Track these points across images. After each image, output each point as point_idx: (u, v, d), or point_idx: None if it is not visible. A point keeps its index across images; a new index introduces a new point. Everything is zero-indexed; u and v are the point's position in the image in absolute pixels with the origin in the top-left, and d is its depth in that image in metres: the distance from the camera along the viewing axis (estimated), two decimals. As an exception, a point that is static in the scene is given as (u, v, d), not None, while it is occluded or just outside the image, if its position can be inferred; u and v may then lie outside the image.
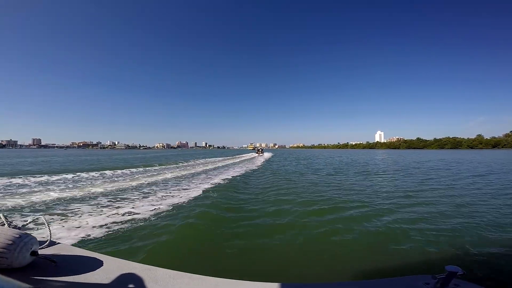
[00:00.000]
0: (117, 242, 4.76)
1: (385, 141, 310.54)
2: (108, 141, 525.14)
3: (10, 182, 11.89)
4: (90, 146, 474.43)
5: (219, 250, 4.61)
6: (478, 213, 7.25)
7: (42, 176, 13.93)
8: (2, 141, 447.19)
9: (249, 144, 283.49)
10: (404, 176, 16.53)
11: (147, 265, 1.49)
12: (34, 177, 13.63)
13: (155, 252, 4.35)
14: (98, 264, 1.44)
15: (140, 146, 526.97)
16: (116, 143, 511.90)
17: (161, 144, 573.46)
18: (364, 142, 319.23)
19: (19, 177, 13.30)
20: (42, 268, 1.35)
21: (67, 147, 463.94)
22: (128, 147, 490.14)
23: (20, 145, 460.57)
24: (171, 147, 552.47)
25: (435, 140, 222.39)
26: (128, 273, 1.37)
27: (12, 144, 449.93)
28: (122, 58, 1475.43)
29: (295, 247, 4.82)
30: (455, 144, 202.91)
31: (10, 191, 9.69)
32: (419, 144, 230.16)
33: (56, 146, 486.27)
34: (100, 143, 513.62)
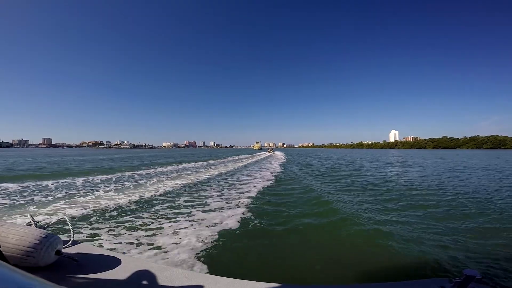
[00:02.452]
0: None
1: (402, 140, 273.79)
2: (118, 141, 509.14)
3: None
4: (96, 146, 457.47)
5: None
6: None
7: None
8: (13, 140, 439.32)
9: (255, 143, 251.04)
10: None
11: (164, 265, 1.52)
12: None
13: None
14: (117, 263, 1.48)
15: (145, 146, 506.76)
16: (125, 142, 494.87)
17: (168, 144, 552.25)
18: (380, 141, 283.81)
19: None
20: (65, 266, 1.41)
21: (65, 146, 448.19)
22: (133, 146, 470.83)
23: (29, 144, 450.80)
24: (178, 147, 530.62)
25: (470, 138, 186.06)
26: (145, 272, 1.40)
27: (23, 143, 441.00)
28: (135, 60, 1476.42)
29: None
30: (496, 143, 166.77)
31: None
32: (450, 143, 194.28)
33: (66, 146, 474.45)
34: (110, 142, 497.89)
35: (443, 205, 7.53)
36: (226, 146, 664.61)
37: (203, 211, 6.40)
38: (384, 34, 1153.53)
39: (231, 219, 5.58)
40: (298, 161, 31.29)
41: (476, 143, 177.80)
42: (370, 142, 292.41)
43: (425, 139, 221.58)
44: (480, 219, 6.13)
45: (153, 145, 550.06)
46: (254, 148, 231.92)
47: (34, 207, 6.86)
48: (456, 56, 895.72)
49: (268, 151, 70.29)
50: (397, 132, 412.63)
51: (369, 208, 7.03)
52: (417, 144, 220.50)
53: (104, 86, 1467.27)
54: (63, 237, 1.63)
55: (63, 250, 1.48)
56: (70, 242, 1.68)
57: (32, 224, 1.58)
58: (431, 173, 16.71)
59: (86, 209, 6.51)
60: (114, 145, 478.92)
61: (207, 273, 1.66)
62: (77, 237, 1.84)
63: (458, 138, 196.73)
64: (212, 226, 5.16)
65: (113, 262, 1.48)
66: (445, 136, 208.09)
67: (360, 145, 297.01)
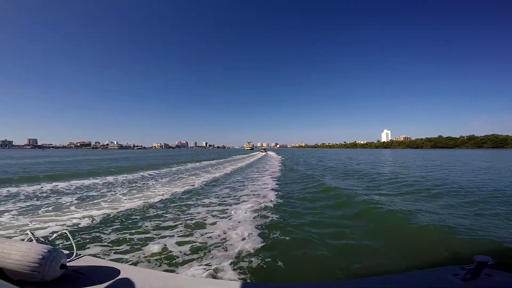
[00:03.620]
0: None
1: (395, 140, 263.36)
2: (107, 141, 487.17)
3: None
4: (83, 147, 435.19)
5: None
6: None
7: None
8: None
9: (246, 143, 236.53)
10: None
11: (169, 273, 1.48)
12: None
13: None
14: (122, 273, 1.44)
15: (134, 146, 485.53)
16: (114, 143, 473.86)
17: (158, 144, 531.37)
18: (372, 141, 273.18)
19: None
20: (72, 280, 1.38)
21: (51, 147, 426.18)
22: (121, 147, 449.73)
23: (13, 145, 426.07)
24: (169, 147, 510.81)
25: (469, 138, 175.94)
26: (151, 282, 1.36)
27: (6, 144, 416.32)
28: (123, 58, 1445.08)
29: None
30: (497, 142, 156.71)
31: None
32: (448, 143, 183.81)
33: (52, 146, 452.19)
34: (99, 143, 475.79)
35: None
36: (218, 147, 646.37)
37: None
38: (375, 34, 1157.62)
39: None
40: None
41: (476, 142, 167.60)
42: (364, 142, 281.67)
43: (421, 139, 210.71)
44: None
45: (142, 146, 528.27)
46: (246, 148, 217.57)
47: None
48: (448, 56, 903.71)
49: (261, 151, 75.04)
50: (389, 132, 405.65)
51: None
52: (413, 144, 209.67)
53: (96, 87, 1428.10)
54: (65, 250, 1.59)
55: (68, 264, 1.45)
56: (73, 255, 1.65)
57: (32, 240, 1.55)
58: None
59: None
60: (101, 145, 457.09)
61: (220, 278, 1.65)
62: (79, 249, 1.91)
63: (456, 138, 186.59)
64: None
65: (118, 273, 1.44)
66: (441, 136, 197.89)
67: (354, 145, 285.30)
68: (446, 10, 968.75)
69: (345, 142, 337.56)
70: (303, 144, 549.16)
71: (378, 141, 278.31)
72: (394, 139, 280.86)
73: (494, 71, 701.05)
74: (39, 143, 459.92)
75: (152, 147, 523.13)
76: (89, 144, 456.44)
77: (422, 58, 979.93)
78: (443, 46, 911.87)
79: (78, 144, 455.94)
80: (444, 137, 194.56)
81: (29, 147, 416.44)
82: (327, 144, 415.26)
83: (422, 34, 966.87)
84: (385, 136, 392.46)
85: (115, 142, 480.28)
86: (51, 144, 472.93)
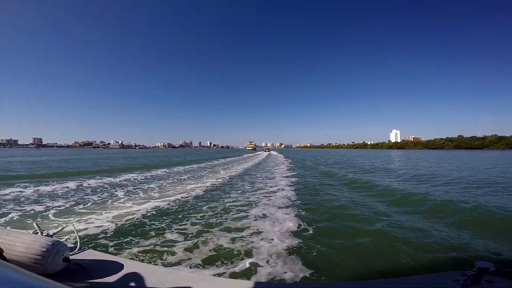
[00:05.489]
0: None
1: (404, 140, 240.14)
2: (112, 141, 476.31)
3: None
4: (85, 146, 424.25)
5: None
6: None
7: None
8: (1, 140, 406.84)
9: (248, 143, 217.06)
10: None
11: (169, 268, 1.49)
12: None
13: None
14: (124, 268, 1.44)
15: (135, 146, 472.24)
16: (119, 142, 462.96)
17: (162, 144, 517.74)
18: (380, 141, 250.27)
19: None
20: (73, 273, 1.38)
21: (55, 146, 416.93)
22: (123, 146, 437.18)
23: (18, 144, 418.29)
24: (173, 147, 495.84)
25: (499, 138, 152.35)
26: (152, 277, 1.36)
27: (11, 143, 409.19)
28: (128, 59, 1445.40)
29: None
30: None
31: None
32: (474, 143, 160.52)
33: (57, 146, 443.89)
34: (104, 142, 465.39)
35: None
36: (222, 147, 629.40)
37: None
38: (375, 34, 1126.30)
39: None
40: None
41: (507, 142, 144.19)
42: (372, 142, 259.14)
43: (442, 139, 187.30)
44: None
45: (144, 145, 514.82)
46: (248, 148, 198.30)
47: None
48: (448, 56, 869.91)
49: (265, 151, 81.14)
50: (398, 132, 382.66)
51: None
52: (432, 144, 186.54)
53: (102, 87, 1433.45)
54: (69, 244, 1.60)
55: (71, 257, 1.45)
56: (77, 248, 1.65)
57: (38, 233, 1.55)
58: None
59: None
60: (103, 145, 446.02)
61: (214, 275, 1.65)
62: (83, 243, 1.92)
63: (483, 137, 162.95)
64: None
65: (120, 268, 1.44)
66: (461, 135, 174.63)
67: (364, 146, 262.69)
68: (446, 10, 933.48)
69: (353, 142, 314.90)
70: (308, 144, 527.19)
71: (390, 141, 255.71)
72: (404, 139, 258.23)
73: (495, 71, 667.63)
74: (44, 142, 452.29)
75: (155, 146, 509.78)
76: (90, 144, 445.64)
77: (422, 58, 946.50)
78: (443, 46, 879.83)
79: (82, 144, 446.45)
80: (468, 137, 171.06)
81: (33, 146, 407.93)
82: (333, 144, 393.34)
83: (422, 34, 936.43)
84: (394, 136, 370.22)
85: (119, 142, 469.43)
86: (56, 143, 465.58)
